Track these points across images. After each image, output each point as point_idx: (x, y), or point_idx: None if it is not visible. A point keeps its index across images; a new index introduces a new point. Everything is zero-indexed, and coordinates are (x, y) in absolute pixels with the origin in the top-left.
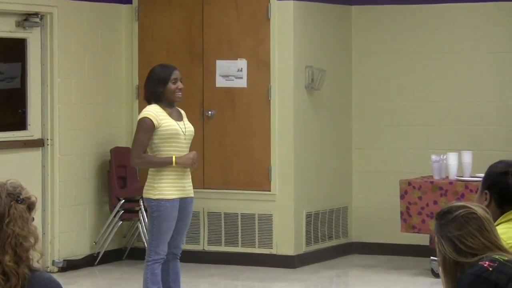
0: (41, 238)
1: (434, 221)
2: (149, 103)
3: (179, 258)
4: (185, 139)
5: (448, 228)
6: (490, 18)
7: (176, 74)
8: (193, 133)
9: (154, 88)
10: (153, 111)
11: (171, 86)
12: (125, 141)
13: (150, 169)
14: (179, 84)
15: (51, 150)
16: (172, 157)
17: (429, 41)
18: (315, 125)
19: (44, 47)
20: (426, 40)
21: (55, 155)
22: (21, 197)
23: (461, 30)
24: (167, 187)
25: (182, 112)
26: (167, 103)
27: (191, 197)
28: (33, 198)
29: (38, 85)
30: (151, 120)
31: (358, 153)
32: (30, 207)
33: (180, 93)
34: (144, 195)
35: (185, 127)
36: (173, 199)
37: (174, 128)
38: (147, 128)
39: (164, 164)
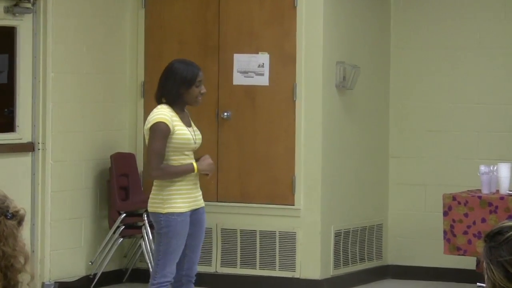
0: (30, 257)
1: (483, 243)
2: (159, 103)
3: (193, 282)
4: (194, 147)
5: (498, 251)
6: None
7: (201, 76)
8: (201, 141)
9: (176, 89)
10: (168, 115)
11: (194, 89)
12: (127, 146)
13: (157, 180)
14: (203, 88)
15: (42, 155)
16: (192, 164)
17: (481, 34)
18: (347, 130)
19: (37, 37)
20: (478, 33)
21: (47, 161)
22: (10, 211)
23: None
24: (179, 199)
25: (188, 115)
26: (181, 107)
27: (202, 207)
28: (22, 211)
29: (28, 80)
30: (167, 125)
31: (396, 162)
32: (20, 222)
33: (201, 98)
34: (151, 209)
35: (195, 134)
36: (185, 212)
37: (187, 137)
38: (163, 134)
39: (186, 172)
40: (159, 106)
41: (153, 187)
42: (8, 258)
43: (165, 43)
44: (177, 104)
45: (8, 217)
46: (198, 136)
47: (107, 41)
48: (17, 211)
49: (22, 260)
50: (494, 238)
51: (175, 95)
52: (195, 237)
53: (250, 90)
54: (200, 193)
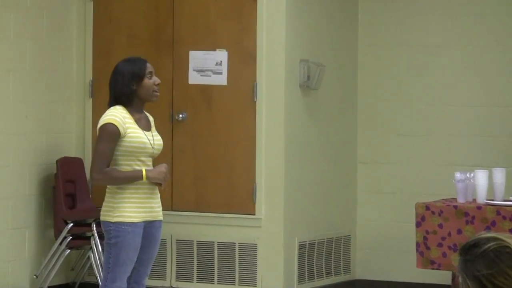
0: None
1: (458, 256)
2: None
3: None
4: (152, 153)
5: (475, 265)
6: None
7: (150, 67)
8: (161, 147)
9: (128, 86)
10: (120, 116)
11: (147, 82)
12: (74, 150)
13: (109, 186)
14: (156, 79)
15: None
16: (141, 171)
17: (457, 31)
18: (312, 134)
19: None
20: (454, 29)
21: None
22: None
23: (497, 18)
24: (130, 208)
25: (151, 119)
26: (139, 106)
27: (159, 220)
28: None
29: None
30: (117, 127)
31: (365, 168)
32: None
33: (158, 91)
34: (102, 218)
35: (154, 139)
36: (136, 223)
37: (141, 141)
38: (111, 136)
39: (132, 179)
40: (111, 108)
41: (106, 194)
42: None
43: (115, 39)
44: (133, 105)
45: None
46: (158, 141)
47: (52, 36)
48: None
49: None
50: (470, 251)
51: (128, 94)
52: (146, 252)
53: (207, 90)
54: (159, 204)
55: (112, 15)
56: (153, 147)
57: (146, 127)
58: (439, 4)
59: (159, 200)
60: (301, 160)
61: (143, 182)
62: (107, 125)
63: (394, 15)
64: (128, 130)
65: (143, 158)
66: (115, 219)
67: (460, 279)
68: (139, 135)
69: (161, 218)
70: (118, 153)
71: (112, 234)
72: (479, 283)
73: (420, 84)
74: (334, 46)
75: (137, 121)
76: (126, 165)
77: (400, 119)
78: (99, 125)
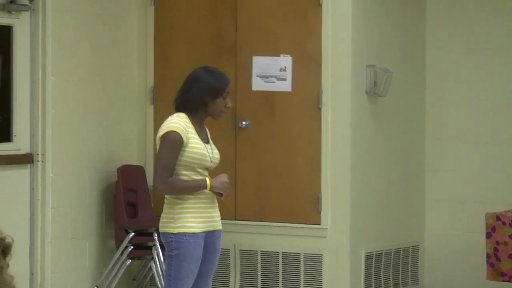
0: (29, 280)
1: None
2: (178, 111)
3: None
4: (210, 167)
5: None
6: None
7: (229, 88)
8: (218, 161)
9: (201, 96)
10: (183, 124)
11: (221, 101)
12: (136, 157)
13: (168, 196)
14: (229, 102)
15: (42, 167)
16: (205, 180)
17: None
18: (378, 141)
19: (35, 37)
20: None
21: (47, 174)
22: None
23: None
24: (191, 218)
25: (207, 131)
26: (202, 118)
27: (219, 230)
28: (8, 239)
29: (26, 85)
30: (180, 135)
31: (433, 176)
32: (5, 251)
33: (225, 113)
34: (161, 229)
35: (212, 152)
36: (198, 233)
37: (201, 153)
38: (175, 145)
39: (196, 189)
40: (175, 114)
41: (165, 205)
42: None
43: (175, 43)
44: (197, 116)
45: None
46: (216, 155)
47: (112, 42)
48: (2, 239)
49: None
50: None
51: (198, 104)
52: (207, 263)
53: (270, 97)
54: (218, 214)
55: (173, 20)
56: (211, 161)
57: (205, 139)
58: (507, 8)
59: (218, 209)
60: (367, 168)
61: (203, 192)
62: (171, 133)
63: (463, 19)
64: (190, 140)
65: (199, 170)
66: (176, 230)
67: None
68: (200, 147)
69: (220, 227)
70: (178, 162)
71: (174, 245)
72: None
73: (490, 90)
74: (401, 51)
75: (198, 132)
76: (184, 176)
77: (469, 126)
78: (161, 132)
